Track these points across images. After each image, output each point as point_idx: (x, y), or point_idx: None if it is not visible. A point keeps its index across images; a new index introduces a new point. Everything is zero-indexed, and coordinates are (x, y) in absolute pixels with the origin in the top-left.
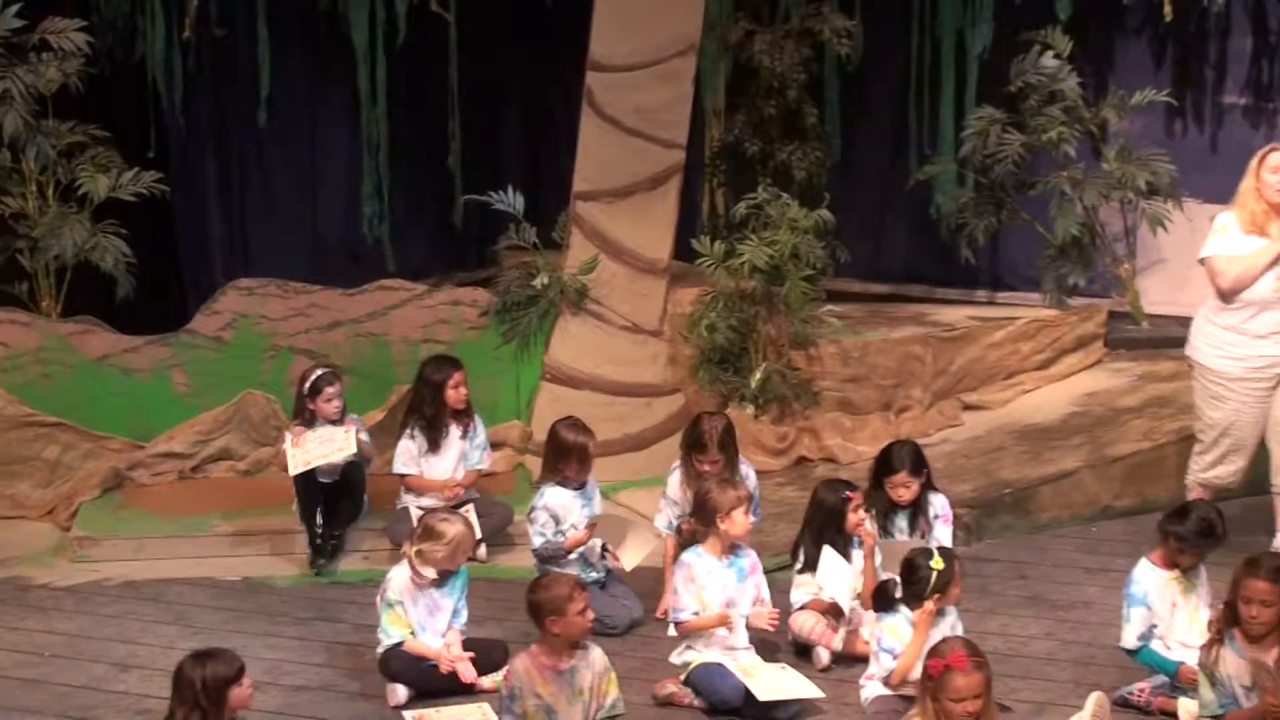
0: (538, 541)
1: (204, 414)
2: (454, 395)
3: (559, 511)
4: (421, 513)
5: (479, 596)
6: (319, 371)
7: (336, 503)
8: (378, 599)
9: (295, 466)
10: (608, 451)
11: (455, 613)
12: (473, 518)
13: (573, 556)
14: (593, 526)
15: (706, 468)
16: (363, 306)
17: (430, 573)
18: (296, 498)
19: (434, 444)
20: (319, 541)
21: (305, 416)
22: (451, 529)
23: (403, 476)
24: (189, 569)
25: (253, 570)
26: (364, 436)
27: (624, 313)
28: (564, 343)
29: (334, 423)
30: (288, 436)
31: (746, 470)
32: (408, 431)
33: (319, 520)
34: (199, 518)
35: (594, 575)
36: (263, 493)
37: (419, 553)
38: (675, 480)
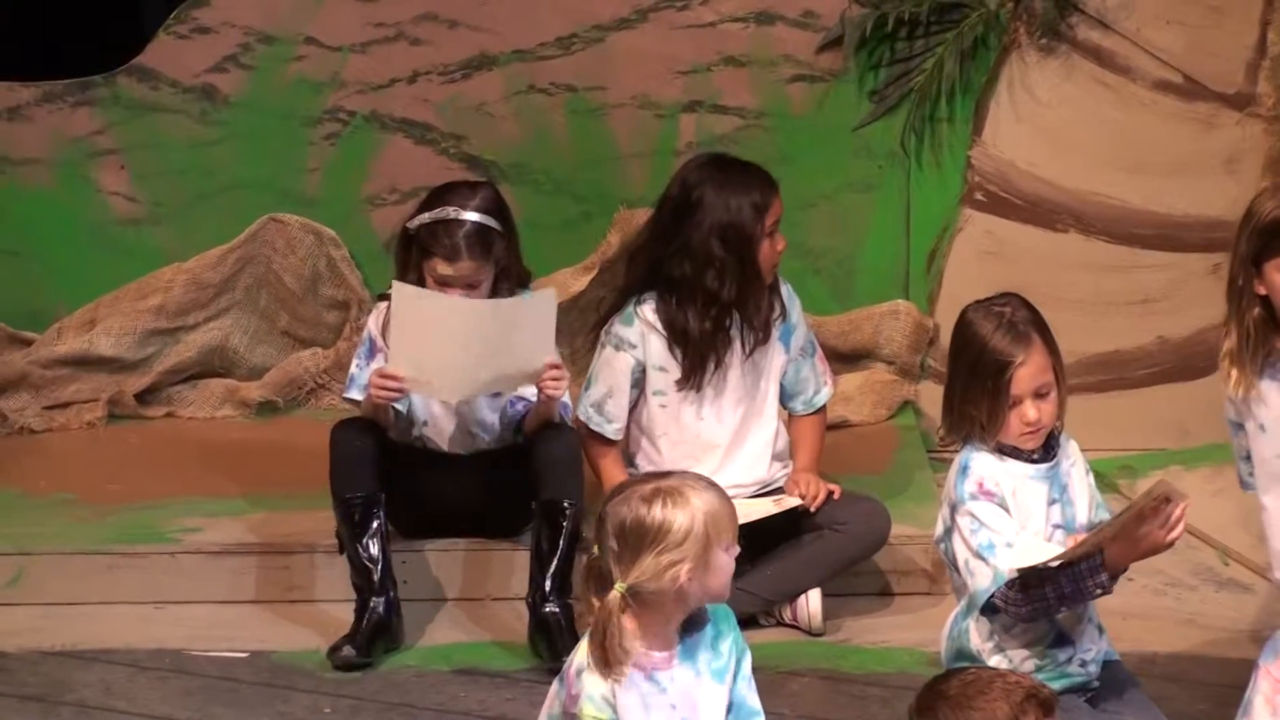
0: (982, 588)
1: (168, 269)
2: (771, 250)
3: (1006, 503)
4: None
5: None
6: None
7: (464, 500)
8: None
9: (368, 383)
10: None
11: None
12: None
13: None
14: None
15: None
16: (542, 20)
17: (658, 640)
18: (331, 474)
19: (699, 356)
20: (377, 594)
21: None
22: (682, 513)
23: (601, 447)
24: (128, 627)
25: (275, 636)
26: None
27: (1173, 51)
28: (1022, 115)
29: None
30: (375, 312)
31: None
32: (614, 324)
33: (372, 542)
34: (149, 512)
35: (1081, 675)
36: (302, 460)
37: (634, 593)
38: None
